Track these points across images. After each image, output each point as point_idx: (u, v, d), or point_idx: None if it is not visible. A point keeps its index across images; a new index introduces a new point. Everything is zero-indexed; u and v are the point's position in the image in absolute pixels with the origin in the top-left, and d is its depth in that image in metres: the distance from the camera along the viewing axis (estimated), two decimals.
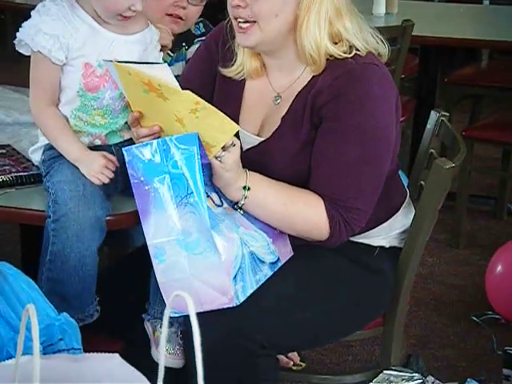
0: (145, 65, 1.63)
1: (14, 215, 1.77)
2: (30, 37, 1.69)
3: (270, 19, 1.68)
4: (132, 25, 1.76)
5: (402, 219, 1.89)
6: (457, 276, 3.13)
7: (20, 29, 1.71)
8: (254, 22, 1.68)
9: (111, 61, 1.66)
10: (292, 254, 1.77)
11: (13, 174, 1.79)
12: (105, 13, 1.71)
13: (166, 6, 2.10)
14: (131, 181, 1.60)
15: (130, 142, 1.76)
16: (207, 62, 1.87)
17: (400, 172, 1.96)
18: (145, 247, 1.63)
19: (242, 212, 1.70)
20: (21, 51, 1.74)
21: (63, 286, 1.68)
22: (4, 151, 1.92)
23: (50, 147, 1.77)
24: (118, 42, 1.74)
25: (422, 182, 1.94)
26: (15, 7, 3.40)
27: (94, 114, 1.76)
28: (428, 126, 2.08)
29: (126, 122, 1.78)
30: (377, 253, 1.86)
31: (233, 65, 1.80)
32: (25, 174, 1.80)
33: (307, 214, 1.70)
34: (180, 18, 2.12)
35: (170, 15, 2.11)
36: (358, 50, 1.70)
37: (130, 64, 1.64)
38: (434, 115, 2.07)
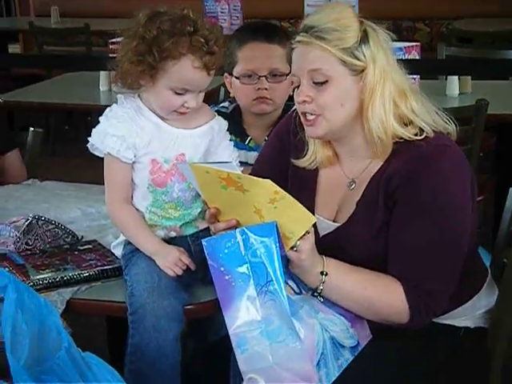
0: (215, 164, 1.69)
1: (99, 308, 1.83)
2: (99, 140, 1.80)
3: (336, 109, 1.72)
4: (195, 119, 1.84)
5: (486, 298, 1.86)
6: None
7: (91, 134, 1.82)
8: (320, 114, 1.72)
9: (185, 163, 1.74)
10: (371, 336, 1.75)
11: (98, 268, 1.86)
12: (161, 110, 1.81)
13: (250, 93, 2.27)
14: (211, 271, 1.62)
15: (205, 231, 1.82)
16: (280, 154, 1.91)
17: (482, 250, 1.94)
18: (226, 337, 1.64)
19: (321, 299, 1.71)
20: (95, 153, 1.84)
21: (145, 377, 1.71)
22: (91, 246, 1.99)
23: (128, 242, 1.85)
24: (182, 137, 1.82)
25: (504, 260, 1.91)
26: (100, 109, 3.56)
27: (167, 208, 1.83)
28: (507, 204, 2.06)
29: (199, 212, 1.84)
30: (462, 334, 1.83)
31: (305, 155, 1.84)
32: (109, 267, 1.87)
33: (386, 298, 1.70)
34: (267, 99, 2.24)
35: (257, 99, 2.25)
36: (427, 130, 1.72)
37: (203, 163, 1.71)
38: None
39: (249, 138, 2.34)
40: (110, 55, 3.64)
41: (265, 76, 2.26)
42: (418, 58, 3.24)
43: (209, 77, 1.79)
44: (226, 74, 2.33)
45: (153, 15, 1.77)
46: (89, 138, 1.83)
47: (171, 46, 1.72)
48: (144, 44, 1.74)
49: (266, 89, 2.25)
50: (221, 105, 2.43)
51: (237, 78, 2.29)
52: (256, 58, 2.26)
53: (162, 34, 1.73)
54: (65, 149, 5.63)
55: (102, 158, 1.85)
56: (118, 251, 1.89)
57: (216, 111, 2.37)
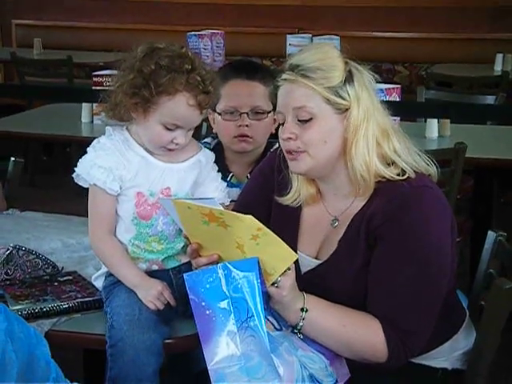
0: (197, 200, 1.70)
1: (78, 340, 1.82)
2: (86, 171, 1.80)
3: (320, 146, 1.74)
4: (182, 153, 1.85)
5: (463, 340, 1.87)
6: None
7: (77, 164, 1.82)
8: (305, 150, 1.74)
9: (167, 198, 1.75)
10: (349, 375, 1.75)
11: (78, 300, 1.85)
12: (150, 145, 1.82)
13: (232, 130, 2.28)
14: (192, 305, 1.62)
15: (188, 265, 1.82)
16: (263, 190, 1.92)
17: (459, 292, 1.96)
18: (206, 371, 1.64)
19: (301, 336, 1.71)
20: (80, 184, 1.84)
21: None
22: (71, 278, 1.98)
23: (110, 274, 1.85)
24: (169, 171, 1.83)
25: (482, 303, 1.93)
26: (81, 141, 3.58)
27: (151, 241, 1.83)
28: (486, 246, 2.08)
29: (182, 246, 1.84)
30: (439, 375, 1.83)
31: (288, 193, 1.85)
32: (90, 299, 1.86)
33: (365, 336, 1.70)
34: (247, 137, 2.24)
35: (238, 136, 2.26)
36: (410, 170, 1.74)
37: (185, 199, 1.72)
38: (491, 235, 2.07)
39: (231, 175, 2.35)
40: (93, 88, 3.68)
41: (246, 113, 2.28)
42: (398, 100, 3.29)
43: (200, 115, 1.81)
44: (209, 110, 2.34)
45: (151, 50, 1.79)
46: (75, 168, 1.83)
47: (168, 81, 1.74)
48: (141, 77, 1.75)
49: (247, 126, 2.27)
50: (203, 140, 2.44)
51: (219, 114, 2.31)
52: (238, 95, 2.28)
53: (160, 69, 1.75)
54: (43, 179, 5.60)
55: (82, 190, 1.86)
56: (99, 283, 1.88)
57: None
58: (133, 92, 1.76)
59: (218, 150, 2.36)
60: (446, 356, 1.84)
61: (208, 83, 1.77)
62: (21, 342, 1.33)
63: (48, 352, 1.39)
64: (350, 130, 1.73)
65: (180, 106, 1.76)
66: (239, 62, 2.61)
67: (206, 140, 2.45)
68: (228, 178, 2.34)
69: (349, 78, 1.74)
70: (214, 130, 2.39)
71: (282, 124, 1.78)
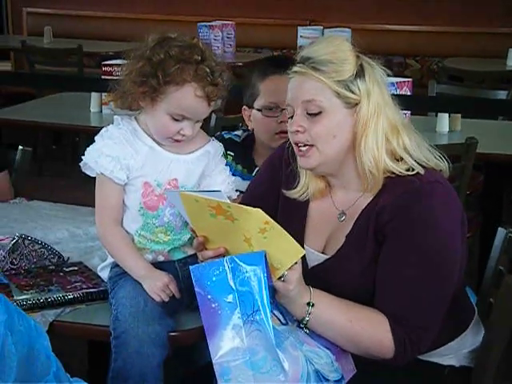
0: (203, 192, 1.68)
1: (82, 331, 1.81)
2: (93, 159, 1.79)
3: (328, 141, 1.72)
4: (190, 144, 1.84)
5: (472, 338, 1.85)
6: None
7: (85, 152, 1.81)
8: (313, 145, 1.73)
9: (174, 191, 1.73)
10: (355, 371, 1.74)
11: (83, 291, 1.84)
12: (156, 134, 1.81)
13: (273, 127, 2.27)
14: (198, 298, 1.61)
15: (194, 257, 1.81)
16: (271, 182, 1.91)
17: (468, 289, 1.94)
18: (211, 364, 1.63)
19: (307, 331, 1.70)
20: (86, 172, 1.83)
21: None
22: (76, 268, 1.98)
23: (116, 265, 1.84)
24: (176, 162, 1.82)
25: (491, 300, 1.91)
26: (89, 130, 3.58)
27: (157, 232, 1.82)
28: (496, 243, 2.06)
29: (189, 238, 1.83)
30: (447, 373, 1.82)
31: (296, 186, 1.84)
32: (95, 290, 1.85)
33: (372, 332, 1.69)
34: None
35: (280, 133, 2.24)
36: (419, 167, 1.72)
37: (192, 191, 1.71)
38: (501, 232, 2.06)
39: (257, 169, 2.33)
40: (103, 77, 3.67)
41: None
42: (409, 93, 3.26)
43: (209, 107, 1.79)
44: (244, 107, 2.33)
45: (162, 39, 1.78)
46: (82, 157, 1.82)
47: (176, 71, 1.73)
48: (149, 66, 1.75)
49: None
50: (234, 133, 2.43)
51: (259, 110, 2.29)
52: (279, 91, 2.24)
53: (169, 58, 1.74)
54: (51, 168, 5.61)
55: (89, 180, 1.84)
56: (105, 274, 1.87)
57: (228, 139, 2.36)
58: (141, 80, 1.75)
59: (247, 143, 2.35)
60: (453, 353, 1.83)
61: (217, 75, 1.76)
62: (21, 334, 1.32)
63: (49, 345, 1.38)
64: (360, 125, 1.71)
65: (187, 97, 1.75)
66: (278, 58, 2.60)
67: (236, 133, 2.44)
68: (254, 173, 2.32)
69: (360, 72, 1.72)
70: (250, 127, 2.37)
71: (291, 117, 1.76)
